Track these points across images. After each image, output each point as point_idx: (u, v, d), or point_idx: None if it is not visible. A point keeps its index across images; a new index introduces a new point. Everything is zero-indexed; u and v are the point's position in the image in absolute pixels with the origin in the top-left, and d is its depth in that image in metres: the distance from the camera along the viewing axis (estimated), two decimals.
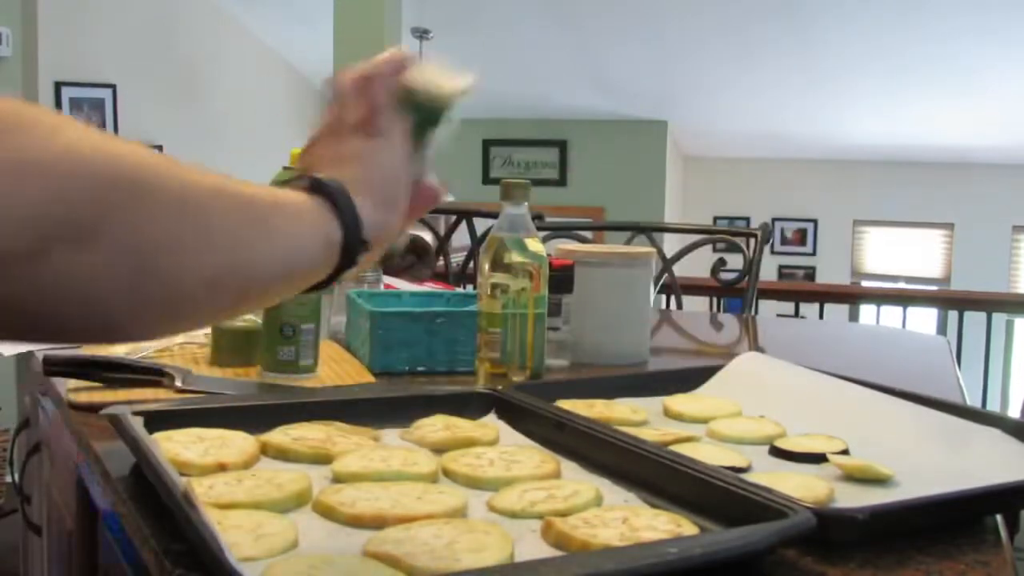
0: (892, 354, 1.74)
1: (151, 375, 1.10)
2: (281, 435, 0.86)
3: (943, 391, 1.17)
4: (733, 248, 2.30)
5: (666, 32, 5.43)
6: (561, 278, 1.31)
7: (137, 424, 0.79)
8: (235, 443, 0.83)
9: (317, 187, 0.61)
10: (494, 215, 1.31)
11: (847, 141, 6.63)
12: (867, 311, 4.62)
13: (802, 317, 4.15)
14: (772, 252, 7.22)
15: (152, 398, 1.04)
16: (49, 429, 1.30)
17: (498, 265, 1.14)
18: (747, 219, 7.14)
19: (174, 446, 0.80)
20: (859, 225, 7.29)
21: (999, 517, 0.78)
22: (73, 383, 1.09)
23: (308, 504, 0.73)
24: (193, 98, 5.14)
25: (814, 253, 7.35)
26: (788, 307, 4.22)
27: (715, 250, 2.61)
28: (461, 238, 2.59)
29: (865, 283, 6.95)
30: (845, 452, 0.90)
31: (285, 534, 0.66)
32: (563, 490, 0.76)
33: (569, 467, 0.84)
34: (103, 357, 1.12)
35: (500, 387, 1.02)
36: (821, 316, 4.15)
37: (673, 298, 2.36)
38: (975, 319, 4.08)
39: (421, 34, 5.51)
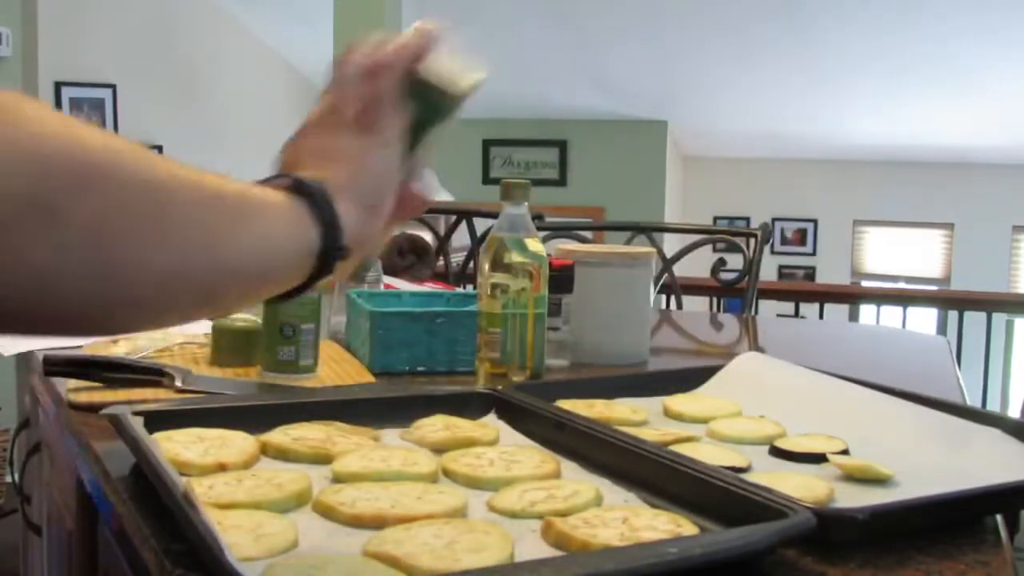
0: (892, 354, 1.74)
1: (151, 375, 1.10)
2: (281, 435, 0.86)
3: (943, 391, 1.17)
4: (733, 248, 2.30)
5: (666, 32, 5.43)
6: (561, 278, 1.31)
7: (137, 424, 0.79)
8: (235, 443, 0.83)
9: (298, 188, 0.58)
10: (494, 215, 1.31)
11: (847, 141, 6.63)
12: (867, 311, 4.62)
13: (802, 317, 4.15)
14: (772, 252, 7.21)
15: (152, 398, 1.04)
16: (49, 429, 1.30)
17: (498, 265, 1.14)
18: (747, 219, 7.14)
19: (174, 446, 0.80)
20: (859, 225, 7.29)
21: (999, 517, 0.78)
22: (73, 383, 1.09)
23: (308, 504, 0.73)
24: (193, 98, 5.14)
25: (814, 253, 7.35)
26: (788, 307, 4.22)
27: (715, 250, 2.61)
28: (461, 238, 2.59)
29: (865, 283, 6.95)
30: (845, 452, 0.90)
31: (285, 534, 0.66)
32: (563, 490, 0.76)
33: (569, 467, 0.84)
34: (103, 357, 1.13)
35: (500, 387, 1.02)
36: (821, 316, 4.16)
37: (673, 298, 2.36)
38: (975, 319, 4.08)
39: None
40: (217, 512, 0.68)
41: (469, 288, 2.27)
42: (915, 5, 4.80)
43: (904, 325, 4.07)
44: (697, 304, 3.98)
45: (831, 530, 0.67)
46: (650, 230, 2.36)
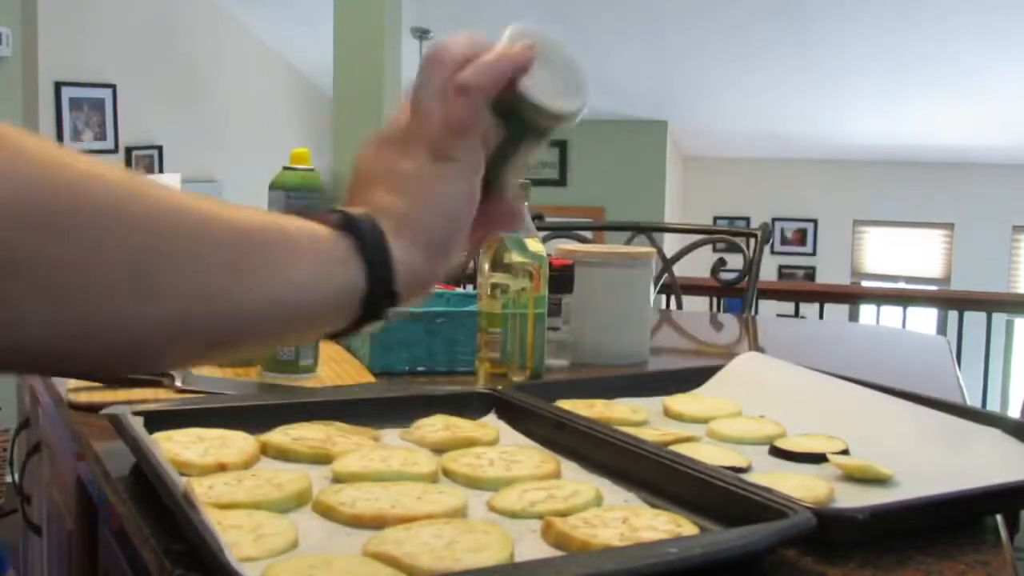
0: (892, 354, 1.74)
1: (151, 375, 1.10)
2: (281, 435, 0.86)
3: (943, 391, 1.17)
4: (733, 248, 2.30)
5: (666, 32, 5.43)
6: (561, 278, 1.31)
7: (137, 424, 0.79)
8: (235, 443, 0.83)
9: (346, 224, 0.52)
10: None
11: (847, 141, 6.63)
12: (867, 311, 4.62)
13: (802, 317, 4.15)
14: (772, 252, 7.22)
15: (152, 398, 1.04)
16: (49, 429, 1.30)
17: (498, 265, 1.14)
18: (747, 219, 7.14)
19: (174, 446, 0.80)
20: (859, 225, 7.29)
21: (999, 517, 0.78)
22: (73, 383, 1.09)
23: (308, 504, 0.73)
24: (193, 98, 5.14)
25: (814, 253, 7.35)
26: (788, 307, 4.22)
27: (715, 250, 2.61)
28: None
29: (865, 283, 6.95)
30: (845, 452, 0.90)
31: (285, 534, 0.66)
32: (563, 490, 0.76)
33: (569, 467, 0.84)
34: None
35: (500, 387, 1.02)
36: (821, 316, 4.15)
37: (673, 298, 2.36)
38: (975, 319, 4.08)
39: (421, 34, 5.51)
40: (217, 512, 0.68)
41: (469, 288, 2.27)
42: (915, 5, 4.80)
43: (904, 325, 4.07)
44: (697, 304, 3.98)
45: (831, 530, 0.67)
46: (650, 230, 2.36)
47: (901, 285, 6.52)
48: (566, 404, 0.99)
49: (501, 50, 0.56)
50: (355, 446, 0.85)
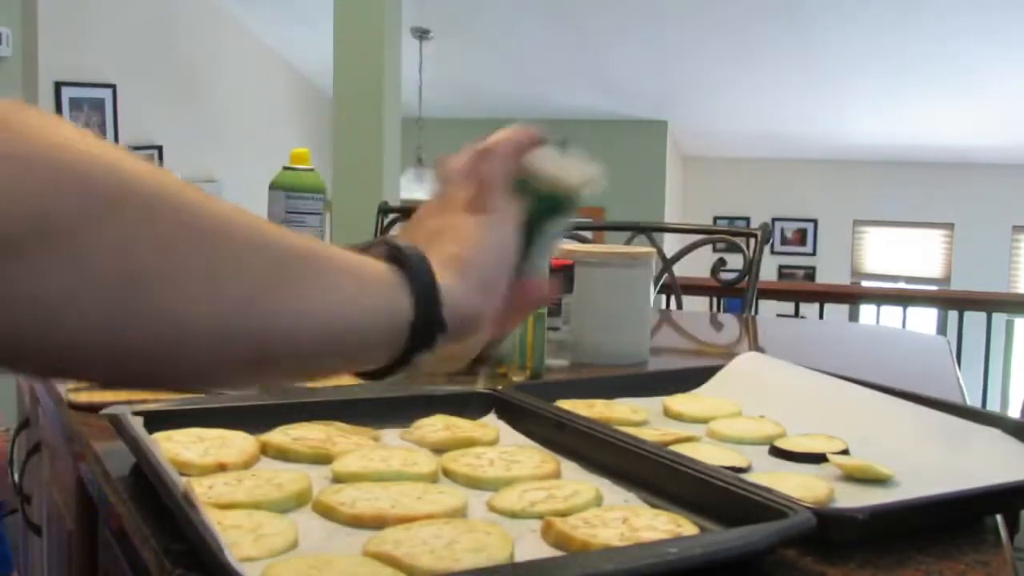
0: (892, 354, 1.74)
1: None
2: (281, 435, 0.86)
3: (943, 391, 1.17)
4: (733, 248, 2.30)
5: (666, 32, 5.43)
6: (561, 278, 1.31)
7: (137, 424, 0.79)
8: (235, 443, 0.83)
9: (394, 255, 0.52)
10: None
11: (847, 141, 6.63)
12: (867, 311, 4.62)
13: (802, 317, 4.15)
14: (772, 252, 7.22)
15: (152, 398, 1.04)
16: (49, 429, 1.30)
17: None
18: (747, 219, 7.15)
19: (174, 446, 0.80)
20: (859, 225, 7.29)
21: (999, 517, 0.78)
22: (73, 383, 1.09)
23: (308, 504, 0.73)
24: (193, 98, 5.15)
25: (814, 253, 7.36)
26: (788, 307, 4.23)
27: (715, 250, 2.61)
28: None
29: (865, 283, 6.95)
30: (845, 452, 0.90)
31: (285, 534, 0.66)
32: (563, 490, 0.76)
33: (569, 467, 0.84)
34: None
35: (500, 387, 1.02)
36: (821, 316, 4.16)
37: (673, 298, 2.36)
38: (975, 319, 4.08)
39: (421, 34, 5.51)
40: (217, 512, 0.68)
41: None
42: (915, 5, 4.80)
43: (904, 325, 4.07)
44: (697, 304, 3.99)
45: (831, 530, 0.67)
46: (650, 230, 2.36)
47: (901, 285, 6.52)
48: (566, 404, 0.99)
49: (502, 133, 0.62)
50: (355, 446, 0.85)
